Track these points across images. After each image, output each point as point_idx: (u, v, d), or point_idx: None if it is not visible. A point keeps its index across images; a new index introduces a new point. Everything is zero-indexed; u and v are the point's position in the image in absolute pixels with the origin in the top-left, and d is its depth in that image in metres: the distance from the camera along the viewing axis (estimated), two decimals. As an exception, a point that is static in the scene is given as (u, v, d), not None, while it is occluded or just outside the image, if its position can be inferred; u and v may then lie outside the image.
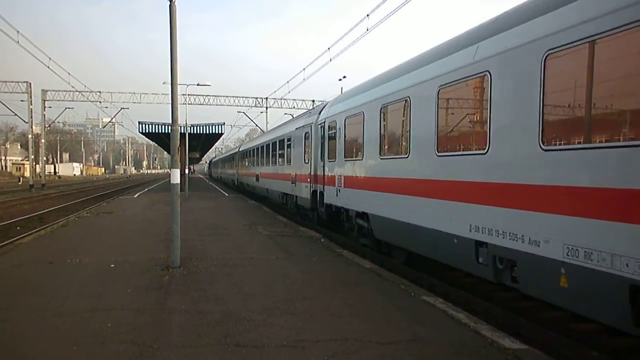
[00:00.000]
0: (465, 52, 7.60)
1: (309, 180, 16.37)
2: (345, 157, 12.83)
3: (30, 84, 46.82)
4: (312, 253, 10.65)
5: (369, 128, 11.17)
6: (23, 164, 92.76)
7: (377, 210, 10.70)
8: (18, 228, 18.22)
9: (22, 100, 47.99)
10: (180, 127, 16.61)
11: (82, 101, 50.90)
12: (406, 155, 9.27)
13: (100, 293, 7.11)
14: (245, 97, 53.28)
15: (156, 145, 76.55)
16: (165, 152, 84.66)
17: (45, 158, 58.67)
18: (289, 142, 20.13)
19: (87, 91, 49.69)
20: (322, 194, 15.02)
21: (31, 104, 47.47)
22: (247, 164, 33.83)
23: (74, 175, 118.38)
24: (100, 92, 50.67)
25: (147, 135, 37.30)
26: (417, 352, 4.95)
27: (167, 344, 5.12)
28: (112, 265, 9.03)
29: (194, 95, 49.85)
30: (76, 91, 48.71)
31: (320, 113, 15.81)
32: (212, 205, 23.41)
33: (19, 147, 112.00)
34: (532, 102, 5.98)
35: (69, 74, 44.54)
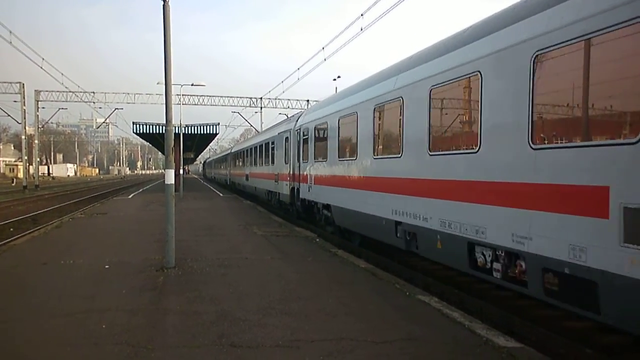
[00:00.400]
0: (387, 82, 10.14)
1: (288, 178, 18.59)
2: (314, 159, 15.10)
3: (23, 84, 46.63)
4: (307, 253, 10.65)
5: (331, 135, 13.46)
6: (16, 165, 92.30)
7: (337, 202, 13.11)
8: (12, 229, 18.14)
9: (15, 101, 47.88)
10: (175, 127, 16.95)
11: (75, 102, 50.85)
12: (354, 158, 11.67)
13: (95, 294, 7.09)
14: (240, 97, 53.35)
15: (150, 145, 76.30)
16: (160, 153, 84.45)
17: (38, 159, 58.44)
18: (272, 146, 22.44)
19: (81, 91, 49.51)
20: (298, 190, 17.16)
21: (24, 105, 47.26)
22: (238, 164, 36.75)
23: (68, 176, 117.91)
24: (94, 92, 50.57)
25: (142, 135, 37.19)
26: (412, 351, 4.96)
27: (161, 344, 5.10)
28: (107, 266, 9.00)
29: (188, 95, 49.82)
30: (70, 91, 48.53)
31: (297, 120, 18.10)
32: (207, 206, 23.37)
33: (12, 148, 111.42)
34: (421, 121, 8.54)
35: (62, 74, 44.40)
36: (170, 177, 9.23)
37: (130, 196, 31.62)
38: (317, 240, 12.77)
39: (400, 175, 9.37)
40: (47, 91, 49.53)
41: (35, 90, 49.41)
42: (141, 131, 31.03)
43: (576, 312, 5.88)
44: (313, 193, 15.25)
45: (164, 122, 9.30)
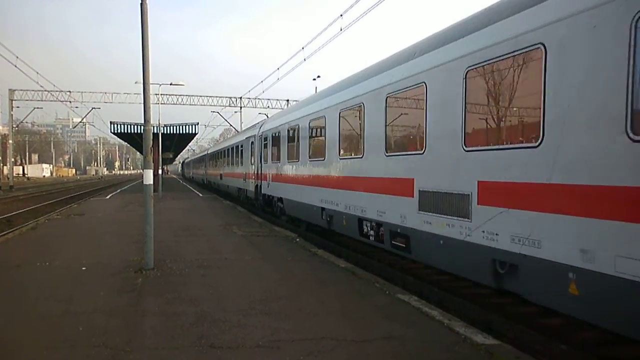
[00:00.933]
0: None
1: (254, 177, 21.34)
2: (271, 161, 17.96)
3: (-4, 83, 45.64)
4: (287, 253, 10.65)
5: (282, 142, 16.43)
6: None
7: (287, 195, 15.88)
8: (-15, 231, 17.74)
9: (-12, 100, 46.82)
10: (153, 127, 17.02)
11: (51, 101, 49.92)
12: (297, 160, 14.47)
13: (71, 296, 6.98)
14: (219, 97, 52.98)
15: (129, 145, 75.44)
16: (138, 153, 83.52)
17: (13, 159, 57.24)
18: (241, 149, 25.15)
19: (57, 91, 48.65)
20: (261, 187, 19.92)
21: (-2, 104, 46.32)
22: (213, 165, 39.82)
23: (44, 176, 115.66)
24: (70, 91, 49.72)
25: (119, 135, 36.78)
26: (392, 349, 5.00)
27: (140, 346, 5.05)
28: (84, 268, 8.87)
29: (167, 94, 49.29)
30: (45, 90, 47.64)
31: (260, 127, 20.86)
32: (187, 206, 23.18)
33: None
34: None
35: (37, 73, 43.62)
36: (148, 178, 9.14)
37: (108, 197, 31.19)
38: (297, 240, 12.78)
39: (324, 174, 12.30)
40: (21, 90, 48.58)
41: (9, 90, 48.42)
42: (119, 131, 30.70)
43: (402, 254, 9.12)
44: (271, 189, 18.16)
45: (142, 121, 9.20)
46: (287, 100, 52.15)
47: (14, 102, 48.95)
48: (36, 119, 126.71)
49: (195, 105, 52.15)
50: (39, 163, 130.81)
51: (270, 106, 52.36)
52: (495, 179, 6.29)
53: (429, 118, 7.74)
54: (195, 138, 61.36)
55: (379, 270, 10.76)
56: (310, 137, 13.52)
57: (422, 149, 7.87)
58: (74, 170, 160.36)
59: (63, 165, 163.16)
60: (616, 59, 4.67)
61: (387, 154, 9.08)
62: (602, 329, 5.68)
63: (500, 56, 6.16)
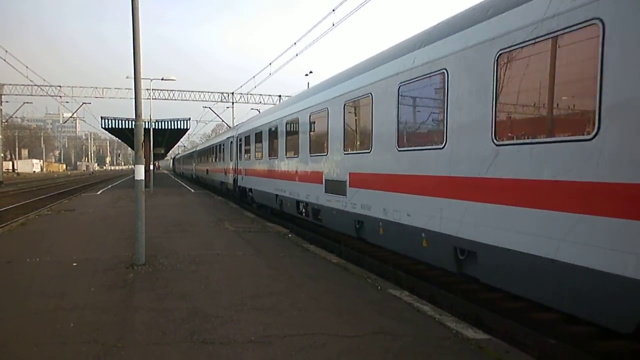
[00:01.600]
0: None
1: (232, 172, 25.27)
2: (244, 158, 22.03)
3: (-15, 77, 45.21)
4: (279, 248, 10.65)
5: (252, 143, 20.40)
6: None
7: (255, 186, 19.81)
8: (-26, 227, 17.59)
9: (-23, 95, 46.30)
10: (145, 122, 17.18)
11: (41, 95, 49.50)
12: (261, 159, 18.38)
13: (62, 292, 6.95)
14: (211, 92, 52.77)
15: (120, 141, 74.98)
16: (129, 148, 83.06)
17: (2, 154, 56.73)
18: (223, 147, 29.10)
19: (47, 85, 48.27)
20: (237, 180, 24.05)
21: (-13, 99, 45.83)
22: (200, 161, 44.08)
23: (34, 172, 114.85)
24: (60, 86, 49.34)
25: (110, 130, 36.49)
26: (383, 344, 5.02)
27: (131, 342, 5.04)
28: (75, 264, 8.83)
29: (158, 90, 49.09)
30: (35, 85, 47.25)
31: (237, 129, 24.98)
32: (178, 202, 23.11)
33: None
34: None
35: (27, 67, 43.19)
36: (140, 173, 9.09)
37: (99, 192, 31.02)
38: (289, 235, 12.78)
39: (277, 169, 15.98)
40: (11, 84, 48.17)
41: (-2, 84, 47.96)
42: (110, 126, 30.48)
43: (318, 223, 12.59)
44: (244, 182, 22.13)
45: (134, 116, 9.15)
46: (279, 96, 52.04)
47: (3, 96, 48.45)
48: (26, 114, 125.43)
49: (187, 100, 51.99)
50: (29, 158, 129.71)
51: (262, 101, 52.23)
52: (357, 171, 10.11)
53: (329, 131, 11.50)
54: (187, 134, 61.12)
55: (370, 265, 10.81)
56: (269, 140, 17.29)
57: (326, 152, 11.75)
58: (64, 166, 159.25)
59: (53, 160, 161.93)
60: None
61: (310, 155, 12.89)
62: (591, 324, 5.73)
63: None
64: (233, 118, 53.04)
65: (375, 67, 9.36)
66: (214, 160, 33.77)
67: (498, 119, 6.16)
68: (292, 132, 14.54)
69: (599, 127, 4.75)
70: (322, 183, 11.81)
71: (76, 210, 18.79)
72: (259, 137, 18.79)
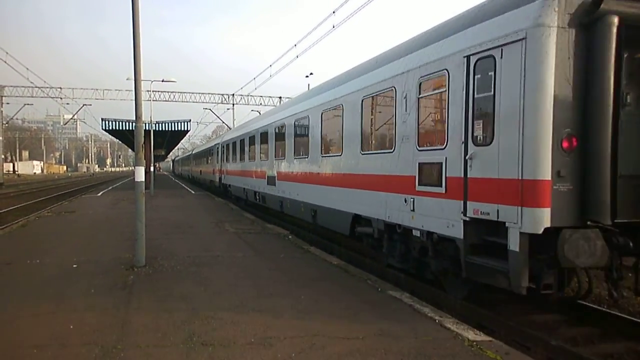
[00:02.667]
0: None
1: (218, 172, 30.91)
2: (226, 161, 27.68)
3: (-14, 79, 45.22)
4: (279, 250, 10.64)
5: (229, 150, 26.25)
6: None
7: (232, 183, 25.53)
8: (-25, 228, 17.59)
9: (-23, 97, 46.29)
10: (145, 124, 17.29)
11: (41, 97, 49.40)
12: (237, 162, 23.79)
13: (62, 294, 6.94)
14: (212, 94, 52.67)
15: (120, 142, 75.01)
16: (130, 150, 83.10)
17: (3, 156, 56.74)
18: (212, 152, 35.15)
19: (47, 87, 48.22)
20: (221, 178, 29.68)
21: (-13, 100, 45.83)
22: (195, 163, 50.79)
23: (35, 173, 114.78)
24: (61, 88, 49.25)
25: (111, 132, 36.54)
26: (383, 346, 5.01)
27: (131, 344, 5.03)
28: (75, 266, 8.82)
29: (158, 91, 49.05)
30: (35, 87, 47.23)
31: (222, 137, 31.96)
32: (179, 203, 23.12)
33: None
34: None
35: (27, 69, 43.27)
36: (140, 175, 9.08)
37: (99, 194, 31.02)
38: (290, 237, 12.77)
39: (245, 169, 21.77)
40: (11, 86, 48.14)
41: (-1, 86, 47.97)
42: (110, 128, 30.52)
43: (263, 205, 18.64)
44: (225, 179, 28.08)
45: (134, 118, 9.15)
46: (280, 98, 52.02)
47: (3, 98, 48.44)
48: (26, 116, 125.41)
49: (187, 102, 51.89)
50: (29, 160, 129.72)
51: (262, 103, 52.15)
52: (280, 170, 15.60)
53: (268, 145, 17.26)
54: (187, 135, 61.10)
55: (371, 267, 10.79)
56: (239, 149, 23.39)
57: (267, 159, 17.40)
58: (65, 167, 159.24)
59: (54, 162, 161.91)
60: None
61: (260, 160, 18.65)
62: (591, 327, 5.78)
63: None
64: (233, 120, 53.04)
65: (285, 109, 16.23)
66: (205, 162, 39.98)
67: (363, 137, 9.81)
68: (250, 144, 20.88)
69: (395, 146, 8.44)
70: (265, 178, 17.60)
71: (77, 212, 18.79)
72: (233, 146, 25.10)
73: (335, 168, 11.08)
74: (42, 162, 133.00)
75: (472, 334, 5.46)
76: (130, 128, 28.17)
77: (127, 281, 7.70)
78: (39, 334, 5.35)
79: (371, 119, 9.72)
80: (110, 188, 38.51)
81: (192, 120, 33.47)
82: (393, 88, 8.47)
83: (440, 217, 7.11)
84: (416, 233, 7.81)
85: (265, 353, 4.82)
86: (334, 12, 21.22)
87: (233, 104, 52.73)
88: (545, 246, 5.68)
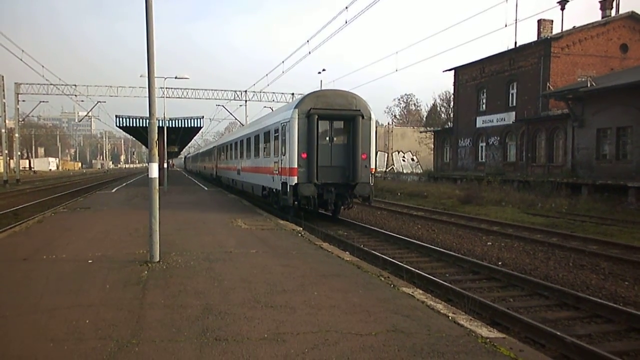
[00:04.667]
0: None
1: (215, 168, 41.05)
2: (218, 159, 37.78)
3: (2, 76, 45.71)
4: (292, 246, 10.67)
5: (220, 152, 37.58)
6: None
7: (221, 174, 36.74)
8: (-8, 224, 17.85)
9: (-6, 94, 46.84)
10: (158, 120, 17.33)
11: (57, 94, 50.02)
12: (224, 160, 34.82)
13: (78, 289, 7.02)
14: (224, 90, 52.89)
15: (134, 139, 75.50)
16: (144, 147, 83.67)
17: (19, 153, 57.46)
18: (211, 152, 45.26)
19: (62, 84, 48.77)
20: (216, 172, 39.29)
21: (4, 98, 46.32)
22: (201, 161, 60.85)
23: (50, 170, 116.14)
24: (75, 85, 49.84)
25: (125, 129, 36.79)
26: (396, 342, 5.01)
27: (145, 339, 5.08)
28: (90, 261, 8.92)
29: (172, 88, 49.45)
30: (51, 84, 47.79)
31: (217, 142, 43.25)
32: (192, 199, 23.25)
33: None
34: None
35: (43, 66, 43.74)
36: (153, 171, 9.15)
37: (113, 190, 31.31)
38: (302, 233, 12.79)
39: (227, 165, 32.72)
40: (27, 84, 48.77)
41: (15, 83, 48.53)
42: (124, 125, 30.68)
43: (235, 187, 29.58)
44: (218, 172, 38.23)
45: (147, 115, 9.20)
46: (292, 94, 52.06)
47: (20, 95, 49.06)
48: (42, 113, 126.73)
49: (200, 98, 52.21)
50: (45, 157, 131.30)
51: (275, 99, 52.30)
52: (248, 165, 24.57)
53: (238, 150, 28.17)
54: (200, 132, 61.43)
55: (384, 263, 10.78)
56: (224, 152, 34.12)
57: (238, 159, 27.51)
58: (79, 164, 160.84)
59: (69, 158, 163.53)
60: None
61: (232, 159, 29.52)
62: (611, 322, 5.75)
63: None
64: (246, 116, 53.20)
65: (242, 131, 28.52)
66: (207, 160, 50.26)
67: (264, 150, 20.27)
68: (229, 150, 31.74)
69: (270, 154, 19.01)
70: (236, 171, 27.93)
71: (91, 208, 18.99)
72: (223, 149, 35.59)
73: (258, 165, 21.79)
74: (57, 159, 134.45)
75: (485, 331, 5.43)
76: (144, 125, 28.36)
77: (141, 277, 7.77)
78: (56, 328, 5.42)
79: (266, 142, 20.16)
80: (124, 184, 38.85)
81: (205, 117, 33.67)
82: (270, 130, 19.11)
83: (277, 182, 17.71)
84: (274, 188, 18.40)
85: (278, 348, 4.84)
86: (346, 7, 21.17)
87: (246, 101, 52.91)
88: (297, 189, 15.90)
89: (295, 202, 16.43)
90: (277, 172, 17.63)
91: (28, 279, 7.68)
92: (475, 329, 5.46)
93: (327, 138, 16.37)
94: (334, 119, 16.33)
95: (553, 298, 8.32)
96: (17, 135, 52.55)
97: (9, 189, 39.31)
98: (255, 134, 22.29)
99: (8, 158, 51.60)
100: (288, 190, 16.23)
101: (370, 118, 16.52)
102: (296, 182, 15.91)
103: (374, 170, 16.94)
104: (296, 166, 15.89)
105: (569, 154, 30.82)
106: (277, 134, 17.84)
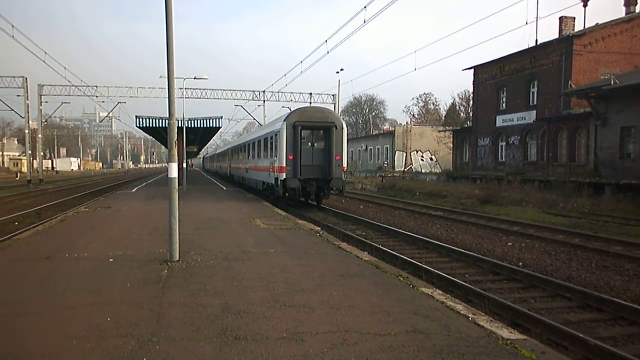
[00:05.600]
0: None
1: (229, 167, 46.43)
2: (231, 160, 44.26)
3: (26, 78, 46.62)
4: (310, 246, 10.67)
5: (232, 154, 43.97)
6: (20, 160, 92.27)
7: (233, 173, 42.39)
8: (16, 223, 18.21)
9: (18, 95, 47.70)
10: (178, 121, 17.43)
11: (78, 96, 50.61)
12: (234, 161, 41.57)
13: (99, 287, 7.12)
14: (243, 91, 53.05)
15: (154, 139, 76.34)
16: (163, 147, 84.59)
17: (42, 153, 58.54)
18: (225, 154, 52.25)
19: (84, 85, 49.45)
20: (230, 171, 44.71)
21: (27, 99, 47.23)
22: (217, 161, 67.37)
23: (72, 170, 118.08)
24: (96, 86, 50.45)
25: (145, 129, 37.27)
26: (416, 343, 4.97)
27: (166, 337, 5.12)
28: (111, 260, 9.03)
29: (191, 89, 49.72)
30: (72, 85, 48.47)
31: (229, 146, 51.09)
32: (211, 199, 23.42)
33: (16, 142, 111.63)
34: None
35: (65, 68, 44.53)
36: (173, 171, 9.22)
37: (134, 190, 31.70)
38: (321, 233, 12.79)
39: (237, 165, 38.91)
40: (50, 85, 49.50)
41: (38, 85, 49.34)
42: (144, 125, 31.07)
43: (243, 183, 35.76)
44: (231, 171, 43.52)
45: (167, 115, 9.28)
46: (310, 94, 52.15)
47: (42, 97, 49.91)
48: (64, 114, 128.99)
49: (219, 99, 52.43)
50: (67, 157, 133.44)
51: (293, 99, 52.33)
52: (252, 164, 29.67)
53: (247, 153, 32.90)
54: (219, 132, 61.83)
55: (403, 263, 10.73)
56: (236, 154, 39.62)
57: (246, 160, 32.91)
58: (100, 164, 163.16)
59: (90, 159, 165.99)
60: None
61: (242, 160, 35.06)
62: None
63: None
64: (264, 116, 53.38)
65: (247, 137, 36.20)
66: (222, 161, 56.92)
67: (263, 153, 25.70)
68: (239, 152, 37.52)
69: (268, 157, 23.98)
70: (245, 170, 32.48)
71: (112, 208, 19.25)
72: (233, 151, 42.02)
73: (259, 164, 26.38)
74: (78, 159, 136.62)
75: (506, 332, 5.36)
76: (164, 125, 28.66)
77: (161, 275, 7.84)
78: (78, 325, 5.49)
79: (264, 147, 24.62)
80: (144, 184, 39.31)
81: (223, 117, 33.89)
82: (267, 137, 23.74)
83: (272, 177, 22.27)
84: (269, 182, 22.87)
85: (297, 348, 4.84)
86: (365, 7, 21.10)
87: (264, 101, 53.05)
88: (286, 183, 20.47)
89: (285, 194, 20.99)
90: (272, 170, 22.30)
91: (50, 277, 7.81)
92: (496, 330, 5.39)
93: (309, 144, 21.05)
94: (313, 129, 21.03)
95: (575, 299, 8.18)
96: (40, 135, 53.58)
97: (33, 189, 40.03)
98: (257, 140, 27.35)
99: (31, 158, 52.49)
100: (279, 183, 20.89)
101: (342, 128, 21.05)
102: (285, 177, 20.51)
103: (345, 168, 21.49)
104: (285, 165, 20.50)
105: (591, 153, 30.30)
106: (272, 141, 22.56)
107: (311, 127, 20.97)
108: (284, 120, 20.91)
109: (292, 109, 23.30)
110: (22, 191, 36.44)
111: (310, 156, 20.94)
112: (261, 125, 48.13)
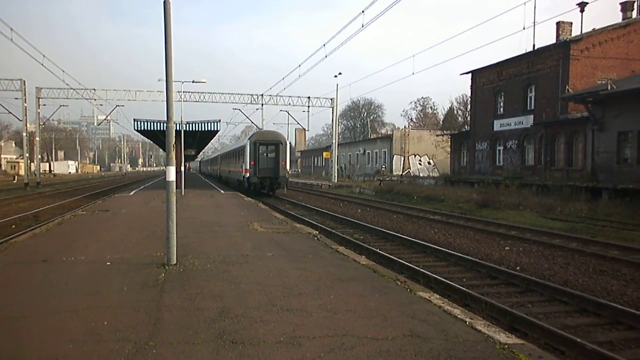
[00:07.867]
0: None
1: (218, 169, 57.23)
2: (220, 164, 55.74)
3: (24, 81, 46.51)
4: (308, 250, 10.66)
5: (221, 160, 55.98)
6: (17, 162, 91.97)
7: (221, 174, 52.28)
8: (13, 226, 18.18)
9: (16, 98, 47.57)
10: (176, 124, 17.38)
11: (76, 99, 50.42)
12: (223, 165, 52.23)
13: (96, 291, 7.10)
14: (241, 94, 53.00)
15: (152, 142, 76.28)
16: (161, 150, 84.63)
17: (40, 156, 58.45)
18: (216, 159, 63.00)
19: (82, 89, 49.36)
20: (220, 173, 54.16)
21: (25, 102, 47.13)
22: (211, 164, 75.55)
23: (69, 173, 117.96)
24: (94, 89, 50.33)
25: (143, 132, 37.11)
26: (413, 347, 4.97)
27: (163, 341, 5.11)
28: (108, 263, 9.01)
29: (189, 92, 49.71)
30: (70, 89, 48.40)
31: (218, 153, 66.26)
32: (208, 203, 23.39)
33: (14, 145, 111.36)
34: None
35: (63, 71, 44.50)
36: (171, 174, 9.22)
37: (131, 193, 31.65)
38: (319, 237, 12.78)
39: (225, 167, 48.67)
40: (48, 88, 49.40)
41: (36, 87, 49.22)
42: (142, 128, 30.99)
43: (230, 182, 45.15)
44: (220, 173, 53.50)
45: (165, 119, 9.28)
46: (308, 98, 52.21)
47: (40, 99, 49.85)
48: (62, 117, 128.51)
49: (217, 102, 52.41)
50: (64, 160, 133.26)
51: (291, 103, 52.36)
52: (232, 168, 41.09)
53: (229, 160, 45.52)
54: (217, 135, 61.84)
55: (400, 267, 10.73)
56: (223, 159, 51.93)
57: (227, 164, 46.96)
58: (98, 167, 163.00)
59: (88, 162, 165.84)
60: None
61: (226, 164, 47.53)
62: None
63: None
64: (262, 120, 53.50)
65: (227, 149, 53.37)
66: (214, 164, 65.44)
67: (237, 160, 38.99)
68: (224, 158, 49.87)
69: (241, 163, 36.01)
70: (228, 171, 44.08)
71: (110, 211, 19.21)
72: (222, 157, 51.45)
73: (236, 167, 37.41)
74: (76, 162, 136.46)
75: (503, 337, 5.36)
76: (162, 128, 28.64)
77: (158, 279, 7.83)
78: (75, 329, 5.48)
79: (238, 156, 36.63)
80: (142, 187, 39.25)
81: (221, 121, 33.89)
82: (239, 150, 36.88)
83: (242, 176, 33.75)
84: (241, 179, 34.18)
85: (294, 352, 4.83)
86: (363, 11, 21.19)
87: (262, 104, 53.03)
88: (249, 179, 32.19)
89: (250, 187, 32.06)
90: (242, 171, 33.34)
91: (48, 280, 7.79)
92: (493, 335, 5.39)
93: (265, 154, 32.03)
94: (268, 145, 32.34)
95: (573, 304, 8.19)
96: (37, 138, 53.50)
97: (30, 192, 39.96)
98: (234, 151, 40.67)
99: (29, 161, 52.38)
100: (245, 180, 32.30)
101: (286, 144, 32.71)
102: (249, 175, 31.77)
103: (288, 171, 33.23)
104: (248, 168, 31.70)
105: (588, 157, 30.38)
106: (242, 152, 33.91)
107: (266, 144, 32.33)
108: (248, 139, 32.99)
109: (254, 131, 41.38)
110: (19, 194, 36.38)
111: (265, 162, 32.00)
112: (260, 128, 50.17)
